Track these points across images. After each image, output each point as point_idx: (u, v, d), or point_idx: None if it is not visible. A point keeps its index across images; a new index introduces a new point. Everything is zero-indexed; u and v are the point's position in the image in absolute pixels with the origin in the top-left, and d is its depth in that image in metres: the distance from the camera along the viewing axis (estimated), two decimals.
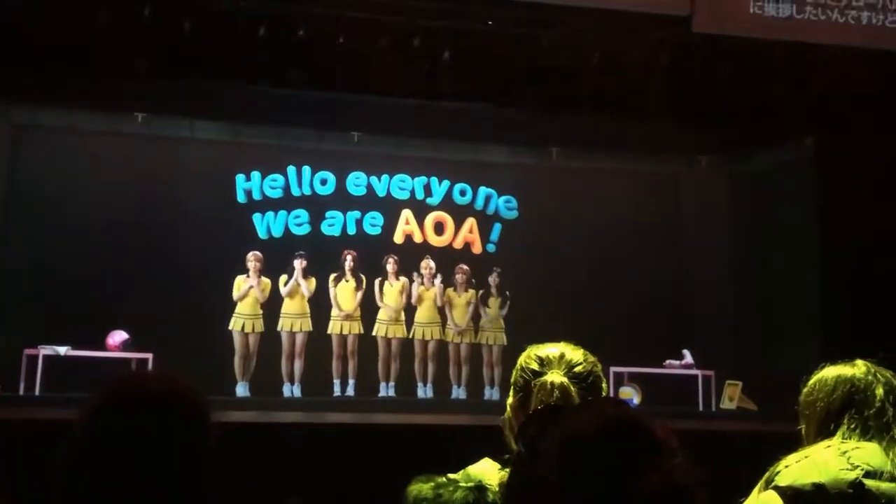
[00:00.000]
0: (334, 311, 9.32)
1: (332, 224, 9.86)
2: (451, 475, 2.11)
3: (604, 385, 2.24)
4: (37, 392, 8.20)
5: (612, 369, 9.38)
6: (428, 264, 9.57)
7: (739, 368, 9.56)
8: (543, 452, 1.33)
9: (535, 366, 2.20)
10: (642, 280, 10.24)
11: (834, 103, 8.02)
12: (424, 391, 9.44)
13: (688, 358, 9.67)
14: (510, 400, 2.24)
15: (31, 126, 9.64)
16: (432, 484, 2.08)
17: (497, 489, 2.05)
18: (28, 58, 7.66)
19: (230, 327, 9.06)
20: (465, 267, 9.64)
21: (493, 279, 9.67)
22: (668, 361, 9.71)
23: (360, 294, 9.37)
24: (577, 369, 2.18)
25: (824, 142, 8.67)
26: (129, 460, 1.49)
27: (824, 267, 8.70)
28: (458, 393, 9.50)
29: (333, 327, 9.31)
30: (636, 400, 9.25)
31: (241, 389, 8.96)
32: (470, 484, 2.07)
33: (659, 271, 10.41)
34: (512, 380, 2.26)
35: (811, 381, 2.45)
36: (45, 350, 8.41)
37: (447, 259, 9.76)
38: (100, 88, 8.34)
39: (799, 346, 8.09)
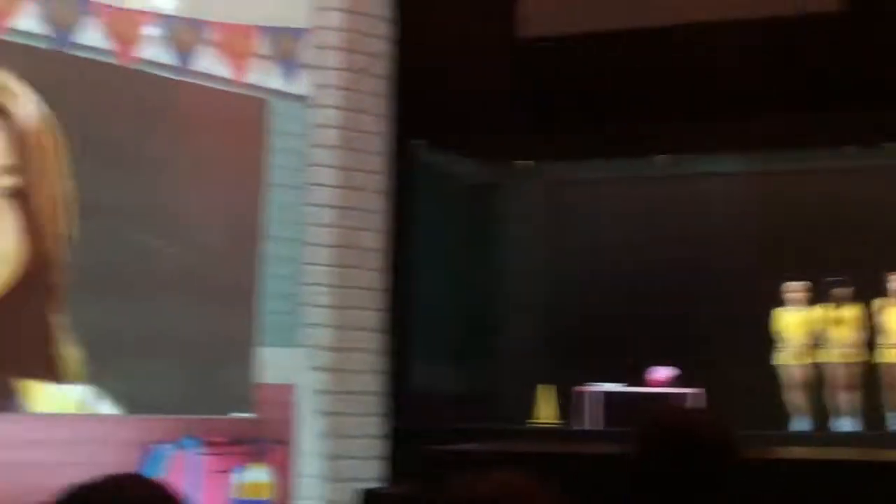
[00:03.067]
0: (886, 339, 8.53)
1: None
2: None
3: None
4: (585, 426, 8.77)
5: None
6: None
7: None
8: None
9: None
10: None
11: None
12: None
13: None
14: None
15: (562, 181, 10.51)
16: None
17: None
18: (556, 116, 8.42)
19: (777, 362, 8.79)
20: None
21: None
22: None
23: None
24: None
25: None
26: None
27: None
28: None
29: (887, 356, 8.51)
30: None
31: (800, 424, 8.64)
32: None
33: None
34: None
35: None
36: (594, 387, 8.99)
37: None
38: (619, 136, 8.81)
39: None
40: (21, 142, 6.01)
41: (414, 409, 7.88)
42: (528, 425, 9.06)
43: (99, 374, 6.48)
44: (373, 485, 6.72)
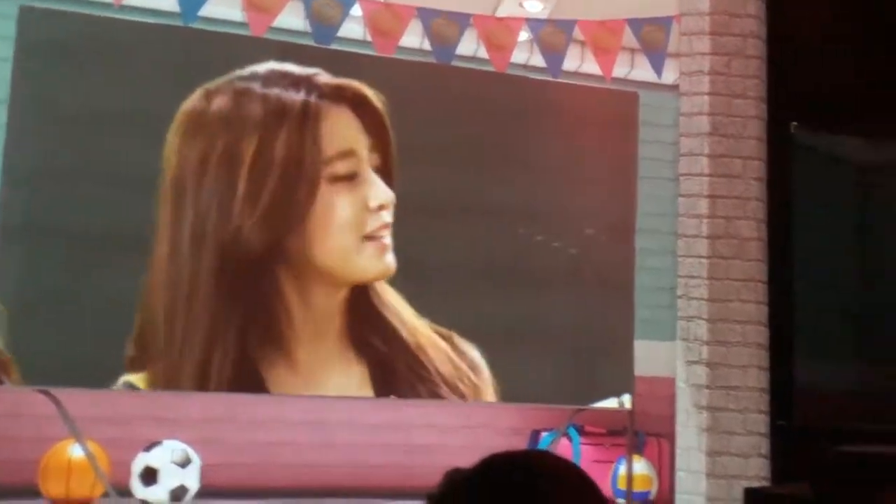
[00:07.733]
0: None
1: None
2: None
3: None
4: None
5: None
6: None
7: None
8: None
9: None
10: None
11: None
12: None
13: None
14: None
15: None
16: None
17: None
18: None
19: None
20: None
21: None
22: None
23: None
24: None
25: None
26: None
27: None
28: None
29: None
30: None
31: None
32: None
33: None
34: None
35: None
36: None
37: None
38: None
39: None
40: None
41: (801, 406, 7.47)
42: None
43: (490, 364, 6.84)
44: (756, 484, 6.48)
